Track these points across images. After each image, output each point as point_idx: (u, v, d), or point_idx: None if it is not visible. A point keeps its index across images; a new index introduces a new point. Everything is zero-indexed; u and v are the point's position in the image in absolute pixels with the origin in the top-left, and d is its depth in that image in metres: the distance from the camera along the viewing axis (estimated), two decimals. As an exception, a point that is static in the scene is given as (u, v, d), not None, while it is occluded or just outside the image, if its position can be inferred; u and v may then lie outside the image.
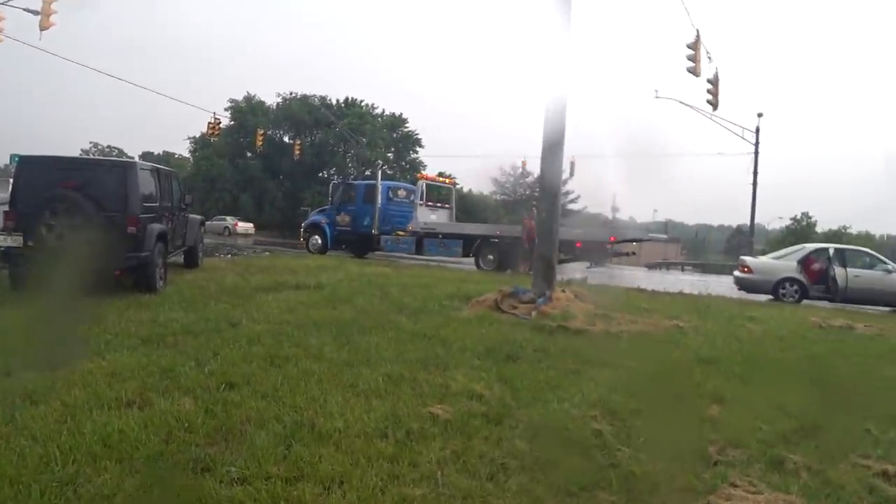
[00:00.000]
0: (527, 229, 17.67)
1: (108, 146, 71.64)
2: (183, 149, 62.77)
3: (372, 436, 4.04)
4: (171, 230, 10.83)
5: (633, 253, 23.21)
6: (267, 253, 21.24)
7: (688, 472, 3.82)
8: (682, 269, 43.54)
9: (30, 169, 9.47)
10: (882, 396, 5.92)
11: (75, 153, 36.34)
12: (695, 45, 17.37)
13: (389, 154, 55.89)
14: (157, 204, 10.32)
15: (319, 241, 22.39)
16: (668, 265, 44.58)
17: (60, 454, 3.48)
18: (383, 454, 3.77)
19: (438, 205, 23.37)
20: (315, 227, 22.82)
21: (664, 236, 47.84)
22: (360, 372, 5.49)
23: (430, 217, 21.89)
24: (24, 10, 15.69)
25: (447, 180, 25.49)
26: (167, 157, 61.65)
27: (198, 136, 53.22)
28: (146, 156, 58.35)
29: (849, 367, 7.70)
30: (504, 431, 4.32)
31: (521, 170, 47.92)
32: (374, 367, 5.70)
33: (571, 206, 39.05)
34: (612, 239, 19.20)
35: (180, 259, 13.22)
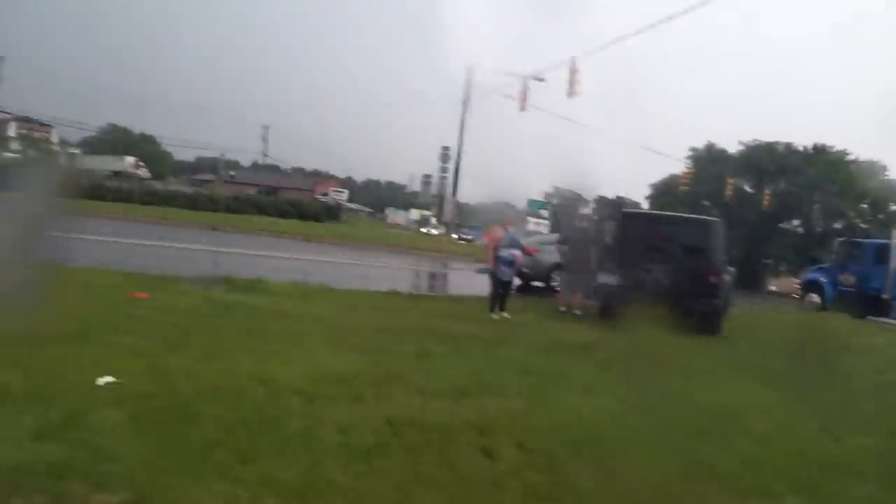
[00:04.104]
0: None
1: (568, 189, 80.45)
2: (638, 194, 66.49)
3: None
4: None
5: None
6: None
7: None
8: None
9: (628, 221, 11.77)
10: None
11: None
12: None
13: (864, 205, 49.90)
14: (725, 257, 11.65)
15: (817, 300, 21.53)
16: None
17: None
18: None
19: None
20: (813, 285, 22.08)
21: None
22: None
23: None
24: (535, 78, 20.76)
25: None
26: (620, 202, 66.00)
27: (657, 182, 55.87)
28: (600, 200, 63.56)
29: None
30: None
31: None
32: None
33: None
34: None
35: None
